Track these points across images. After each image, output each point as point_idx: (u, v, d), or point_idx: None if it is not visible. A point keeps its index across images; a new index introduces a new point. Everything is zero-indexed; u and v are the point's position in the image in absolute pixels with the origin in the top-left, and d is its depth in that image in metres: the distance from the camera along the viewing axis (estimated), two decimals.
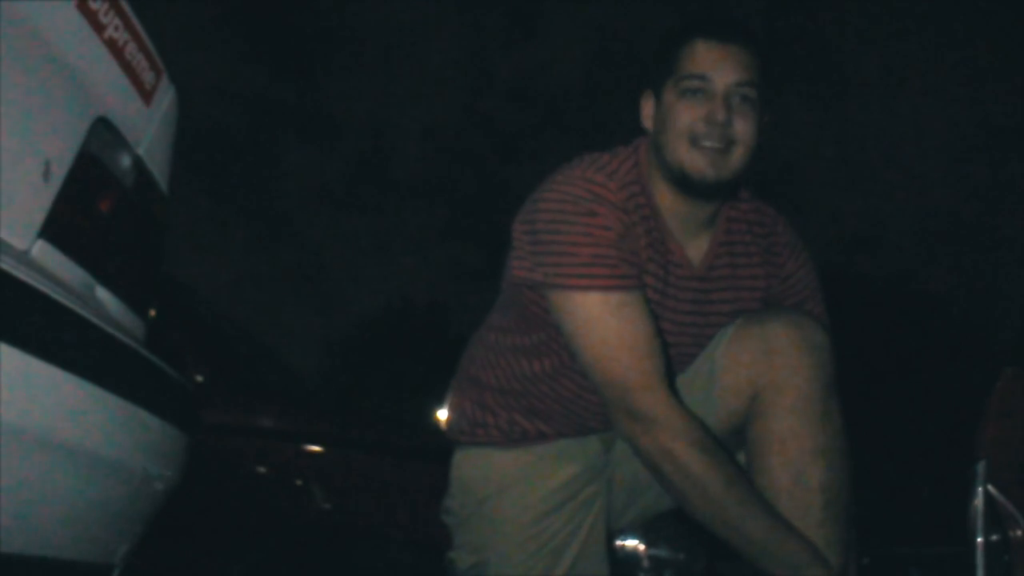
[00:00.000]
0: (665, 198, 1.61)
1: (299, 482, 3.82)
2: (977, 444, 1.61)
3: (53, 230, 1.32)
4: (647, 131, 1.63)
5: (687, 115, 1.53)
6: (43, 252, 1.30)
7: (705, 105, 1.52)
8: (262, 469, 3.78)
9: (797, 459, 1.52)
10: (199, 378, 3.74)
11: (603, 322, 1.51)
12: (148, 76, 1.62)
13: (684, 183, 1.57)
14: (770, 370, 1.55)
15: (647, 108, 1.63)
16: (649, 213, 1.60)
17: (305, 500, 3.77)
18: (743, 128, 1.52)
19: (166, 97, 1.70)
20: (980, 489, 1.55)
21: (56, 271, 1.33)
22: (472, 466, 1.80)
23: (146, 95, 1.62)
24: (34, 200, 1.27)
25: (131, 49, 1.54)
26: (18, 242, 1.24)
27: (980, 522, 1.56)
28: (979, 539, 1.55)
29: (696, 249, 1.65)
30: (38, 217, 1.28)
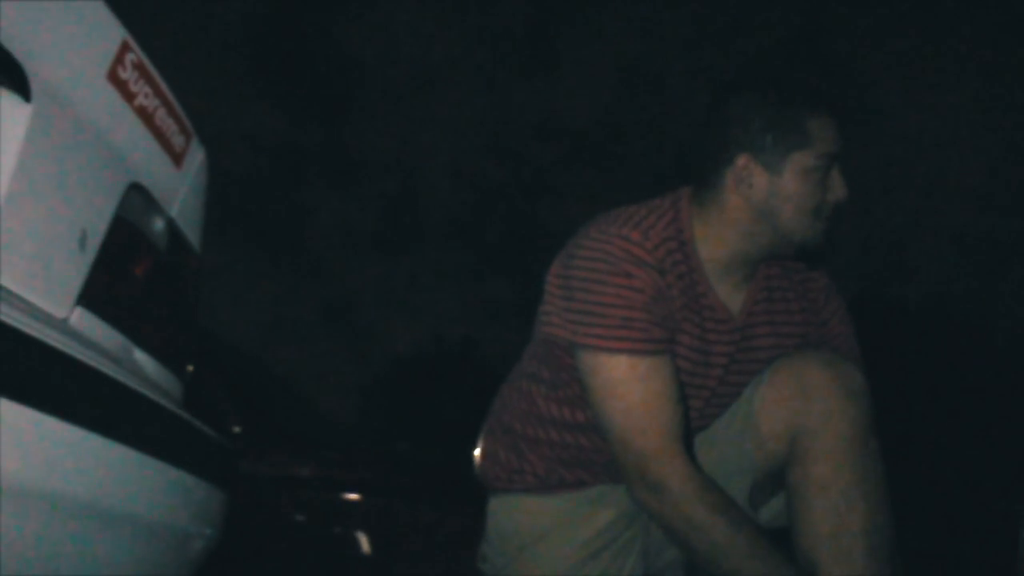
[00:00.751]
0: (711, 258, 1.60)
1: (338, 530, 3.82)
2: (1018, 496, 1.58)
3: (90, 297, 1.34)
4: (738, 195, 1.56)
5: (819, 192, 1.53)
6: (81, 319, 1.32)
7: (831, 180, 1.53)
8: (300, 518, 3.79)
9: (838, 504, 1.50)
10: (236, 429, 3.77)
11: (627, 386, 1.51)
12: (178, 139, 1.65)
13: (799, 254, 1.59)
14: (807, 413, 1.54)
15: (746, 172, 1.54)
16: (686, 270, 1.59)
17: (344, 548, 3.77)
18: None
19: (196, 158, 1.74)
20: None
21: (94, 337, 1.35)
22: (509, 514, 1.79)
23: (177, 158, 1.66)
24: (71, 269, 1.30)
25: (161, 114, 1.58)
26: (57, 311, 1.27)
27: None
28: None
29: (735, 300, 1.65)
30: (75, 285, 1.31)
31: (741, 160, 1.55)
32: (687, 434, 1.58)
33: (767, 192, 1.54)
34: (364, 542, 3.80)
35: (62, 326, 1.26)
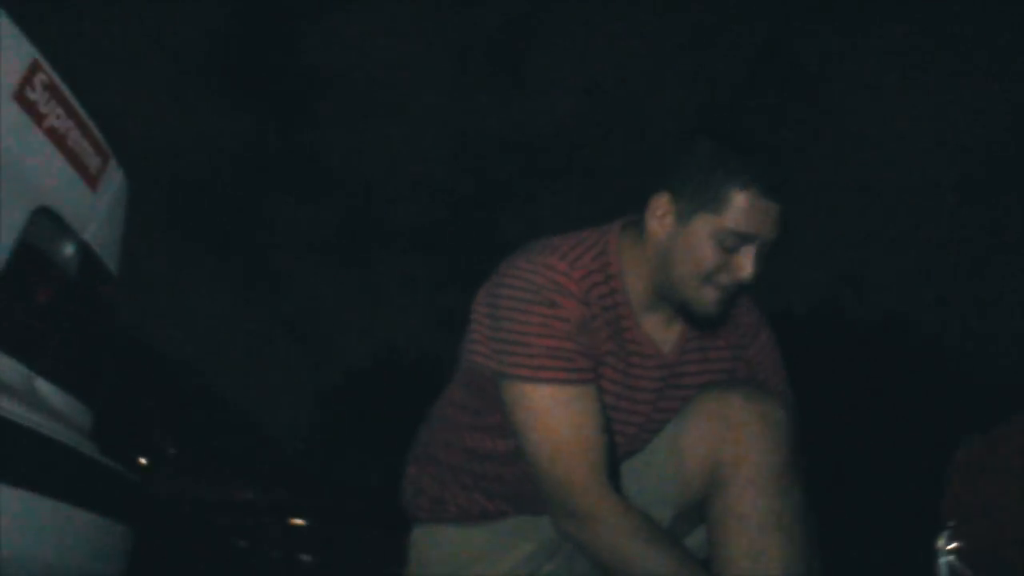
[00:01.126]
0: (639, 289, 1.59)
1: (279, 555, 3.76)
2: (941, 513, 1.59)
3: None
4: (649, 230, 1.56)
5: (715, 262, 1.49)
6: None
7: (736, 258, 1.49)
8: (242, 543, 3.71)
9: (756, 536, 1.49)
10: (172, 451, 3.69)
11: (552, 416, 1.50)
12: (93, 161, 1.61)
13: (682, 310, 1.56)
14: (728, 446, 1.53)
15: (661, 211, 1.54)
16: (611, 303, 1.57)
17: (285, 573, 3.71)
18: (757, 275, 1.51)
19: (113, 180, 1.69)
20: (943, 561, 1.52)
21: None
22: (431, 544, 1.76)
23: (91, 180, 1.61)
24: None
25: (75, 136, 1.53)
26: None
27: None
28: None
29: (667, 335, 1.64)
30: None
31: (663, 196, 1.54)
32: (612, 465, 1.56)
33: (670, 237, 1.54)
34: (305, 567, 3.74)
35: None
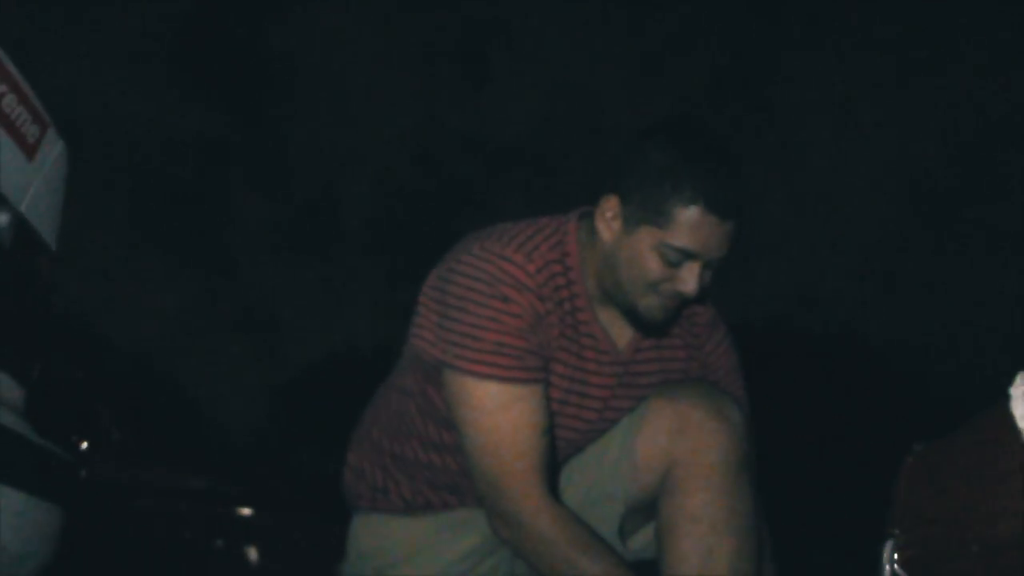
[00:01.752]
0: (593, 284, 1.55)
1: (222, 544, 3.70)
2: (886, 522, 1.58)
3: None
4: (598, 230, 1.51)
5: (659, 274, 1.46)
6: None
7: (679, 272, 1.45)
8: (186, 533, 3.65)
9: (707, 536, 1.47)
10: (115, 435, 3.61)
11: (492, 415, 1.46)
12: (31, 129, 1.55)
13: (630, 316, 1.53)
14: (682, 445, 1.51)
15: (610, 214, 1.50)
16: (568, 295, 1.54)
17: (231, 564, 3.65)
18: (702, 288, 1.48)
19: (52, 150, 1.64)
20: (887, 568, 1.51)
21: None
22: (371, 534, 1.71)
23: (28, 149, 1.55)
24: None
25: (9, 102, 1.48)
26: None
27: None
28: None
29: (622, 333, 1.60)
30: None
31: (612, 199, 1.50)
32: (551, 466, 1.54)
33: (615, 241, 1.50)
34: (249, 557, 3.68)
35: None
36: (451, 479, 1.65)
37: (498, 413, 1.46)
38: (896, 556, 1.50)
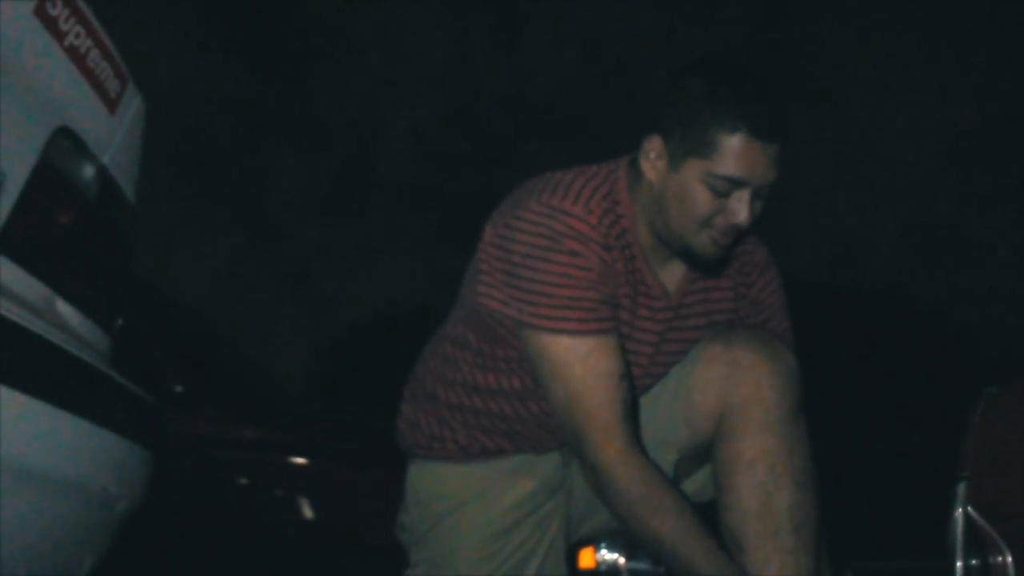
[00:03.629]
0: (644, 231, 1.56)
1: (280, 493, 3.77)
2: (958, 464, 1.59)
3: (9, 243, 1.28)
4: (644, 175, 1.52)
5: (710, 207, 1.45)
6: None
7: (730, 202, 1.44)
8: (243, 480, 3.73)
9: (766, 481, 1.49)
10: (179, 388, 3.69)
11: (570, 368, 1.48)
12: (112, 84, 1.58)
13: (684, 256, 1.53)
14: (737, 390, 1.52)
15: (654, 154, 1.50)
16: (626, 243, 1.55)
17: (287, 512, 3.73)
18: (755, 216, 1.48)
19: (132, 105, 1.67)
20: (960, 511, 1.52)
21: (12, 286, 1.28)
22: (429, 481, 1.74)
23: (110, 103, 1.58)
24: None
25: (94, 56, 1.50)
26: None
27: (960, 545, 1.53)
28: (959, 563, 1.52)
29: (670, 278, 1.61)
30: None
31: (655, 138, 1.49)
32: (635, 407, 1.55)
33: (662, 181, 1.50)
34: (307, 506, 3.76)
35: None
36: (505, 424, 1.67)
37: (576, 365, 1.48)
38: (969, 498, 1.51)
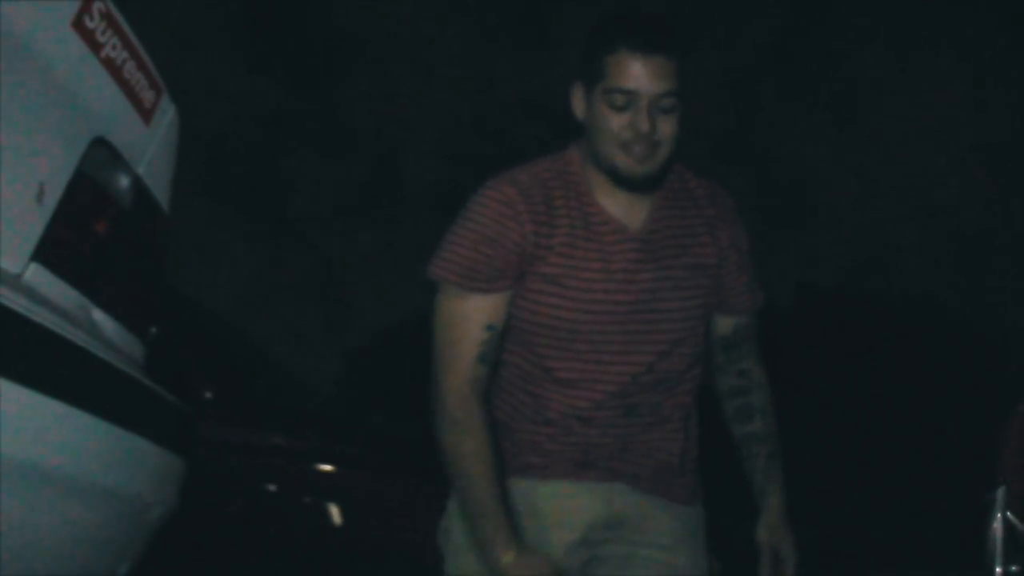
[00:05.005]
0: (592, 174, 1.70)
1: (308, 500, 3.79)
2: (997, 470, 1.57)
3: (47, 253, 1.30)
4: (577, 118, 1.69)
5: (615, 123, 1.61)
6: (36, 275, 1.27)
7: (631, 115, 1.60)
8: (271, 487, 3.75)
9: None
10: (208, 395, 3.71)
11: (447, 309, 1.65)
12: (148, 95, 1.60)
13: (615, 177, 1.66)
14: None
15: (577, 98, 1.68)
16: (572, 193, 1.68)
17: (314, 518, 3.74)
18: (666, 130, 1.61)
19: (166, 115, 1.69)
20: (999, 516, 1.51)
21: (49, 295, 1.30)
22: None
23: (146, 114, 1.60)
24: (26, 223, 1.25)
25: (130, 68, 1.52)
26: (10, 265, 1.22)
27: (999, 550, 1.51)
28: (998, 569, 1.50)
29: (633, 216, 1.71)
30: (31, 240, 1.26)
31: (575, 84, 1.67)
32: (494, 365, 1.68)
33: (587, 118, 1.65)
34: (334, 512, 3.77)
35: (14, 282, 1.21)
36: (538, 435, 1.68)
37: (453, 307, 1.66)
38: (1008, 504, 1.49)
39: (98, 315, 1.46)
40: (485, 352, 1.66)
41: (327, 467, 3.79)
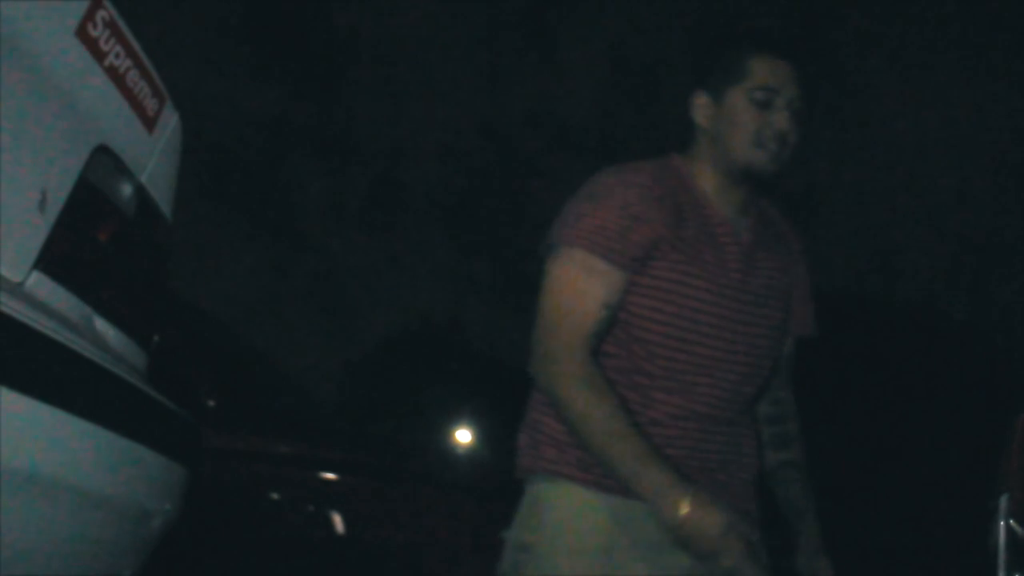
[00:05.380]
0: (707, 178, 1.74)
1: (311, 508, 3.79)
2: (999, 478, 1.57)
3: (49, 261, 1.30)
4: (698, 126, 1.76)
5: (757, 121, 1.69)
6: (38, 283, 1.27)
7: (772, 114, 1.69)
8: (274, 495, 3.75)
9: None
10: (211, 403, 3.72)
11: (566, 277, 1.63)
12: (151, 103, 1.61)
13: (746, 174, 1.72)
14: None
15: (700, 102, 1.75)
16: (690, 198, 1.71)
17: (317, 526, 3.74)
18: (796, 133, 1.71)
19: (169, 123, 1.69)
20: (1002, 524, 1.50)
21: (52, 303, 1.30)
22: (569, 504, 1.65)
23: (148, 122, 1.61)
24: (29, 231, 1.25)
25: (133, 76, 1.53)
26: (12, 273, 1.22)
27: (1002, 558, 1.51)
28: (1001, 574, 1.50)
29: (742, 228, 1.75)
30: (33, 248, 1.26)
31: (698, 92, 1.75)
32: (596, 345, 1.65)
33: (714, 121, 1.72)
34: (338, 520, 3.76)
35: (16, 290, 1.21)
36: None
37: (575, 276, 1.65)
38: (1012, 511, 1.49)
39: (100, 323, 1.46)
40: (599, 331, 1.66)
41: (330, 475, 3.79)
